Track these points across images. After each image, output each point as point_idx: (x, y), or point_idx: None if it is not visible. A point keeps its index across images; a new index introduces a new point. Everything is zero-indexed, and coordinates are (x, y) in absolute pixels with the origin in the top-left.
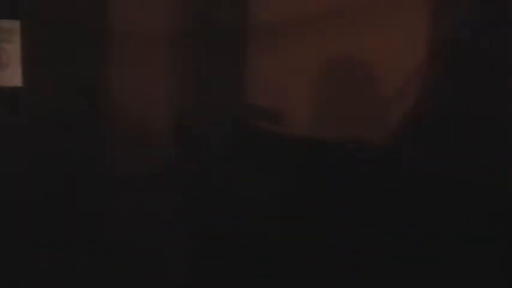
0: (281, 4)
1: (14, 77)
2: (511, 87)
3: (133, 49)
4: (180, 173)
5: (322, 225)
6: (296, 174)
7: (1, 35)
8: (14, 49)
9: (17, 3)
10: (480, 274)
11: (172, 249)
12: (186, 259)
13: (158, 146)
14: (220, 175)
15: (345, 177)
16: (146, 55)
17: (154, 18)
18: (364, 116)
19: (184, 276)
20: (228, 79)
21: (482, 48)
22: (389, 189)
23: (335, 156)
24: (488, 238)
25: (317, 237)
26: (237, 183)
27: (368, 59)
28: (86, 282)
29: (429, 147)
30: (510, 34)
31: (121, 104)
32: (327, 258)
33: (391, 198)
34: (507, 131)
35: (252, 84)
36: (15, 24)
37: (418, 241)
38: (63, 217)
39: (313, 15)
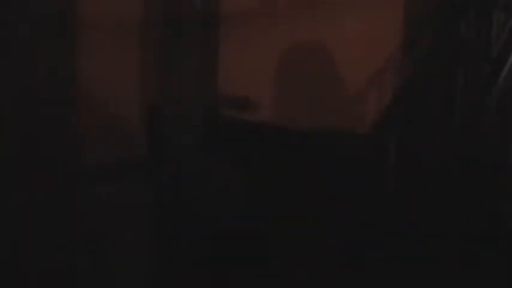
0: None
1: None
2: (487, 79)
3: (104, 39)
4: (153, 163)
5: (295, 213)
6: (269, 163)
7: None
8: None
9: None
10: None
11: (145, 240)
12: (159, 250)
13: (131, 136)
14: (193, 164)
15: (318, 165)
16: (117, 45)
17: (126, 9)
18: (337, 106)
19: (157, 268)
20: (200, 69)
21: (456, 42)
22: (363, 178)
23: (308, 145)
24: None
25: (289, 223)
26: (210, 172)
27: (342, 48)
28: (60, 273)
29: (403, 137)
30: (484, 26)
31: (92, 94)
32: (304, 248)
33: (364, 187)
34: (484, 121)
35: (224, 74)
36: None
37: (392, 229)
38: (31, 209)
39: (285, 4)
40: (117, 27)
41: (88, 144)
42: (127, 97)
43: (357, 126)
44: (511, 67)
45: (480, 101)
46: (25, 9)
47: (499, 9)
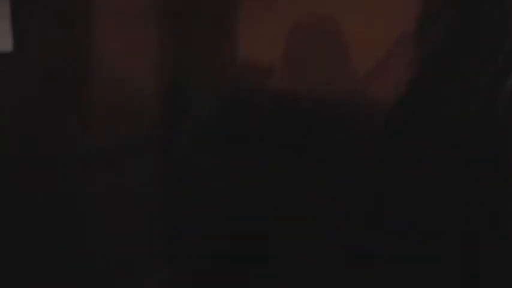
0: None
1: (3, 42)
2: (502, 64)
3: (117, 18)
4: (171, 141)
5: (317, 193)
6: (291, 136)
7: None
8: (2, 14)
9: None
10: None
11: (154, 226)
12: (170, 239)
13: (143, 119)
14: (213, 141)
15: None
16: (135, 16)
17: None
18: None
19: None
20: (218, 40)
21: (471, 26)
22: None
23: (333, 114)
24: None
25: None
26: (229, 151)
27: (355, 23)
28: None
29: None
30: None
31: (105, 76)
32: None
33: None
34: (497, 111)
35: (240, 49)
36: None
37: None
38: (40, 188)
39: None
40: (131, 5)
41: (98, 128)
42: (140, 77)
43: (364, 110)
44: None
45: (493, 94)
46: None
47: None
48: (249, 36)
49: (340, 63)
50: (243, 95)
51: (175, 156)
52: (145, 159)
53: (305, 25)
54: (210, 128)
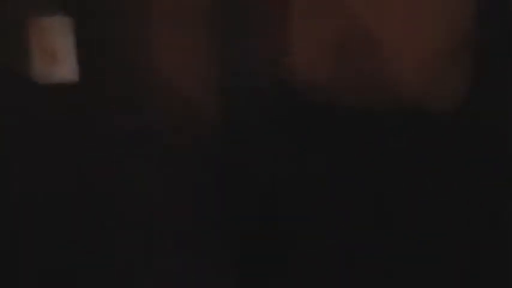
0: None
1: (69, 72)
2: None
3: (172, 11)
4: (219, 139)
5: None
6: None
7: (54, 31)
8: (67, 44)
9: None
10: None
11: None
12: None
13: (198, 115)
14: (262, 142)
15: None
16: (184, 17)
17: None
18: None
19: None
20: (266, 46)
21: None
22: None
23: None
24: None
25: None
26: (278, 151)
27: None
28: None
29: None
30: None
31: (159, 74)
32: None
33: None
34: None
35: (290, 49)
36: (66, 20)
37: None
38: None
39: None
40: (185, 5)
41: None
42: (190, 75)
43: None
44: None
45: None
46: None
47: None
48: (294, 42)
49: (388, 71)
50: (290, 94)
51: (224, 153)
52: (198, 157)
53: (351, 33)
54: (257, 125)
